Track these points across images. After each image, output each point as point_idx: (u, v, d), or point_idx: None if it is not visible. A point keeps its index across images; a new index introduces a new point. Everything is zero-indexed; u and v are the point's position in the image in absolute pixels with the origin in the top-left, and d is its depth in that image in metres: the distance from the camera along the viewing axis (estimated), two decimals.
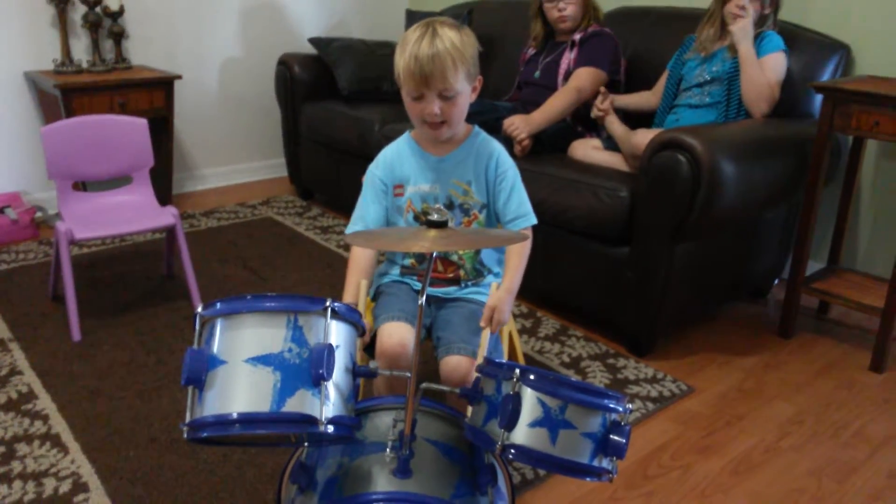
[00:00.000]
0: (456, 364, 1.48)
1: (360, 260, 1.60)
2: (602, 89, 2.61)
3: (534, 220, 1.62)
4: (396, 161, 1.64)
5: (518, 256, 1.58)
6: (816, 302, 2.65)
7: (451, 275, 1.66)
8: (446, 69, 1.45)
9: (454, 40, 1.46)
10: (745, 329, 2.54)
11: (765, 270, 2.67)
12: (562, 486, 1.73)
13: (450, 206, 1.61)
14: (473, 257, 1.67)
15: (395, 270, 1.71)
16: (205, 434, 1.04)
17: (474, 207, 1.62)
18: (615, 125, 2.55)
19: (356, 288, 1.57)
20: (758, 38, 2.39)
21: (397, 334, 1.50)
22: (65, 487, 1.66)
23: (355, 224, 1.64)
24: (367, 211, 1.63)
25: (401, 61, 1.48)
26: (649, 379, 2.19)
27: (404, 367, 1.46)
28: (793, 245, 2.45)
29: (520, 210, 1.61)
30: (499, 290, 1.54)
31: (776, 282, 2.82)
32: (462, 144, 1.62)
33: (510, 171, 1.62)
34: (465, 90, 1.52)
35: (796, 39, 2.50)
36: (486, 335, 1.49)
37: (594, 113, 2.62)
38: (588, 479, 1.11)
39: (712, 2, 2.51)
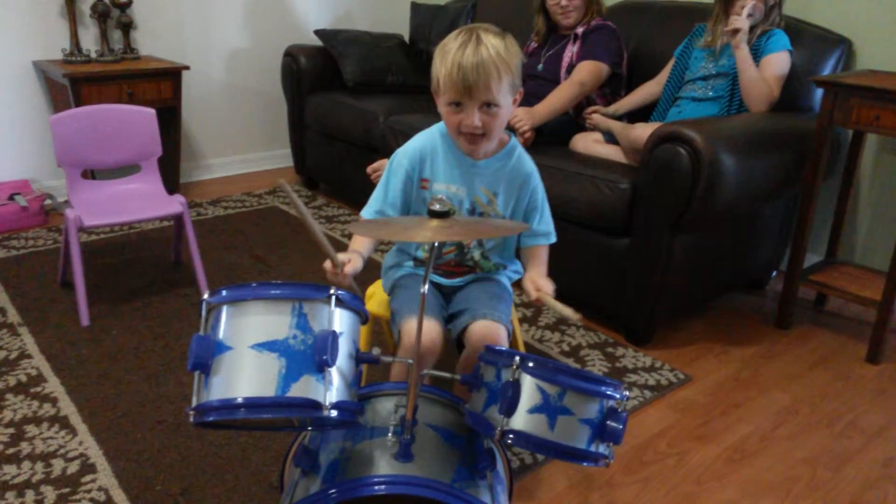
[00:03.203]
0: (485, 328, 1.45)
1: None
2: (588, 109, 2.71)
3: (553, 239, 1.66)
4: (428, 155, 1.56)
5: (545, 254, 1.65)
6: (814, 294, 2.68)
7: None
8: (490, 79, 1.38)
9: (499, 49, 1.39)
10: (742, 320, 2.57)
11: (763, 262, 2.70)
12: (559, 470, 1.76)
13: (472, 212, 1.57)
14: (487, 260, 1.65)
15: (409, 262, 1.67)
16: (211, 418, 1.05)
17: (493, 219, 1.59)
18: (608, 122, 2.59)
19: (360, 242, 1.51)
20: (764, 36, 2.40)
21: (426, 331, 1.40)
22: (73, 468, 1.70)
23: (374, 207, 1.56)
24: (395, 197, 1.56)
25: (442, 69, 1.41)
26: (647, 368, 2.22)
27: (432, 363, 1.44)
28: (791, 237, 2.47)
29: (547, 228, 1.65)
30: (536, 274, 1.58)
31: (774, 274, 2.84)
32: (498, 154, 1.57)
33: (540, 193, 1.62)
34: (507, 103, 1.45)
35: (798, 34, 2.51)
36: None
37: (589, 121, 2.71)
38: (585, 464, 1.14)
39: (714, 4, 2.51)
